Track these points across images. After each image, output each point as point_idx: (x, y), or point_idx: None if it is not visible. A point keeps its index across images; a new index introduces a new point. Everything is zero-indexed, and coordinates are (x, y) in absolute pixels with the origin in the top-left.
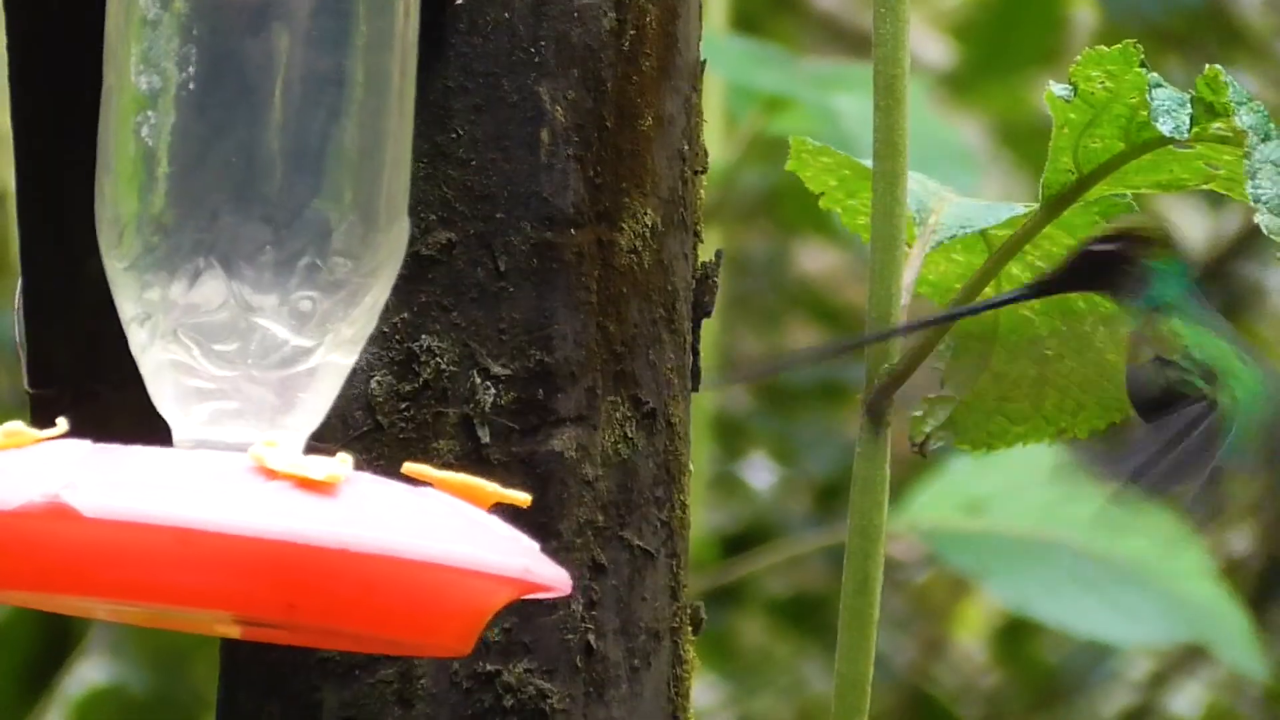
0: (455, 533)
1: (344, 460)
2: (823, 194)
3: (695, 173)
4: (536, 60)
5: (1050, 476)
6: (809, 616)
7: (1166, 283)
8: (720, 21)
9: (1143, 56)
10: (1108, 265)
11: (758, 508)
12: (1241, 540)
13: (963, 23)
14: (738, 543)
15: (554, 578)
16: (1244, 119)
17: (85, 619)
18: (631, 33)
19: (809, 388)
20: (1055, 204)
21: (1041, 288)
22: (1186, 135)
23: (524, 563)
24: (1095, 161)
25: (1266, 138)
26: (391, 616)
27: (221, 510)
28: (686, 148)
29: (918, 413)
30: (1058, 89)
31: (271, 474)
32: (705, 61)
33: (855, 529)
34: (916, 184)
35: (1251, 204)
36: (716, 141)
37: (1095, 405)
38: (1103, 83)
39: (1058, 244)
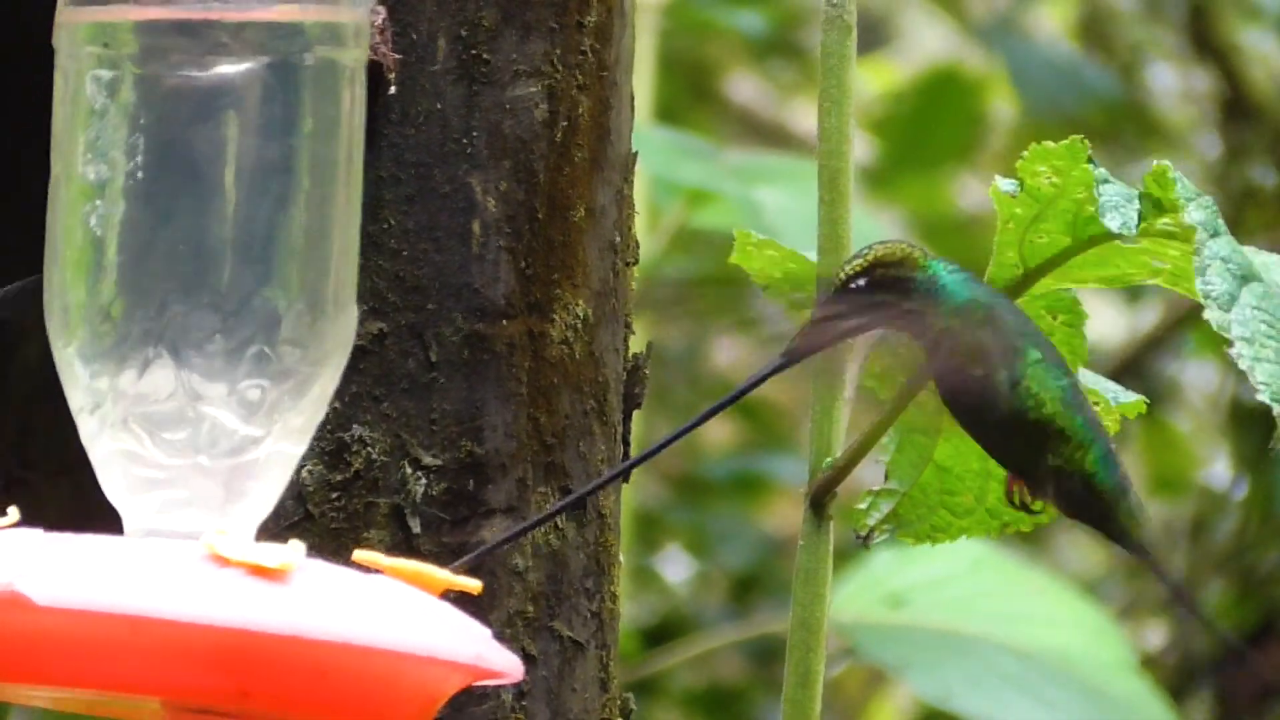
0: (408, 620)
1: (296, 548)
2: (766, 287)
3: (626, 264)
4: (468, 151)
5: (973, 569)
6: (724, 709)
7: (955, 286)
8: (643, 113)
9: (1090, 153)
10: (869, 302)
11: (673, 601)
12: (1158, 635)
13: (881, 118)
14: (654, 635)
15: (506, 664)
16: (1193, 215)
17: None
18: (564, 124)
19: (724, 482)
20: None
21: (798, 349)
22: (1134, 231)
23: (477, 649)
24: (1041, 256)
25: (1215, 234)
26: (343, 703)
27: (176, 599)
28: (618, 239)
29: (861, 505)
30: (1004, 184)
31: (225, 562)
32: (637, 153)
33: (797, 621)
34: None
35: (1201, 299)
36: (640, 234)
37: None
38: (1049, 178)
39: None
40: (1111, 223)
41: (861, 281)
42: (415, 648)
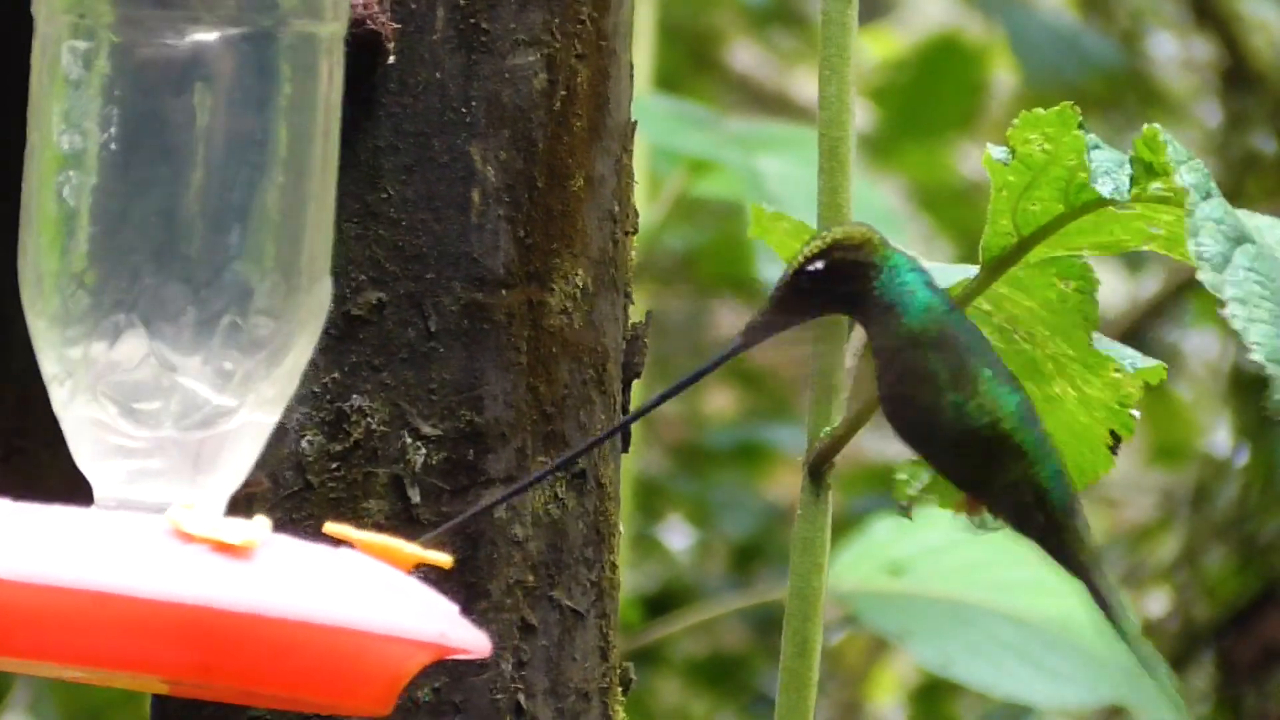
0: (371, 597)
1: (261, 524)
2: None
3: (626, 233)
4: (467, 120)
5: (973, 537)
6: (725, 677)
7: (915, 285)
8: (643, 82)
9: (1080, 119)
10: (827, 287)
11: (675, 570)
12: (1159, 602)
13: (881, 86)
14: (656, 604)
15: (471, 641)
16: (1185, 177)
17: (6, 677)
18: (562, 93)
19: (726, 451)
20: (996, 266)
21: (757, 330)
22: (1126, 196)
23: (440, 627)
24: (1035, 224)
25: (1207, 196)
26: (307, 679)
27: (137, 575)
28: (617, 208)
29: (901, 475)
30: (995, 152)
31: (188, 538)
32: (636, 122)
33: (795, 591)
34: None
35: (1194, 262)
36: (640, 203)
37: (1071, 468)
38: (1041, 145)
39: (1018, 305)
40: (1103, 188)
41: (819, 265)
42: (377, 626)
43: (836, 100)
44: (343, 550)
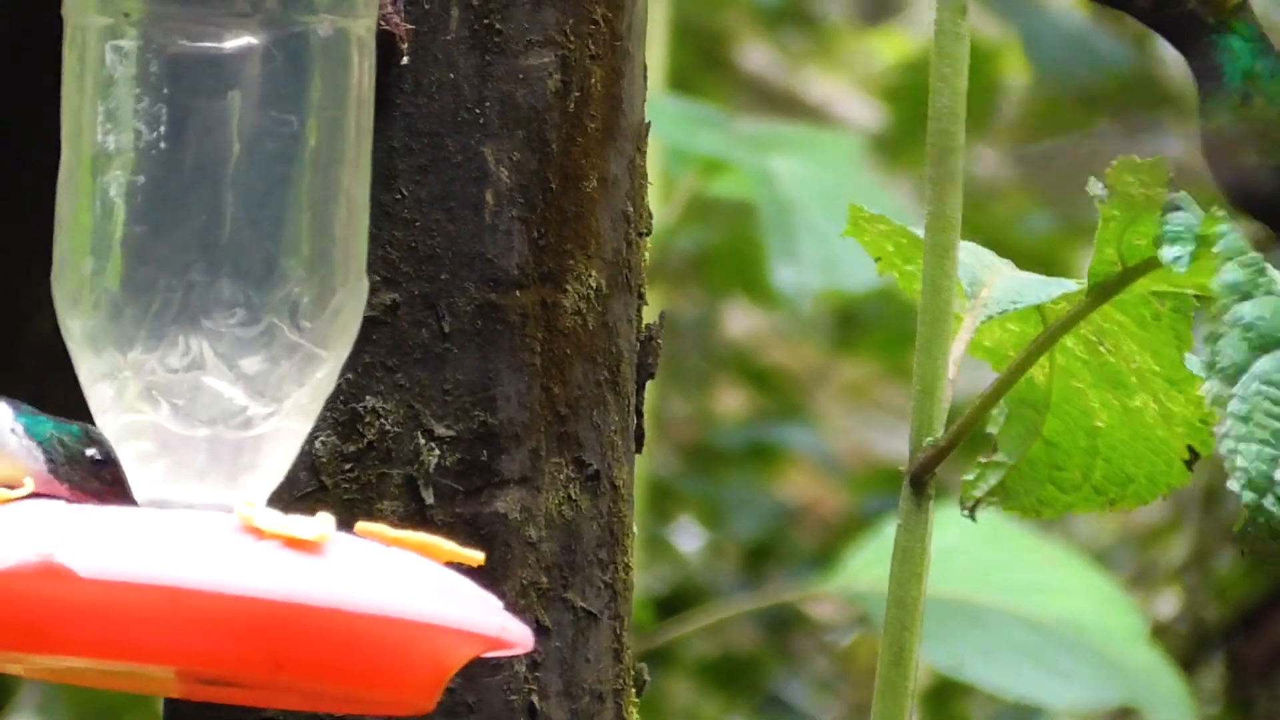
0: (435, 591)
1: (326, 519)
2: (879, 259)
3: (639, 235)
4: (481, 121)
5: (985, 540)
6: (737, 679)
7: (1241, 51)
8: (656, 82)
9: (1171, 175)
10: (1184, 24)
11: (686, 571)
12: (1169, 603)
13: (893, 86)
14: (667, 605)
15: (522, 635)
16: (1226, 276)
17: (15, 678)
18: (576, 94)
19: (737, 451)
20: (1101, 292)
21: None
22: (1185, 268)
23: (500, 620)
24: (1139, 256)
25: (1246, 296)
26: (365, 672)
27: (216, 570)
28: (630, 209)
29: (969, 476)
30: (1096, 188)
31: (260, 534)
32: (650, 123)
33: (893, 600)
34: (969, 255)
35: (1203, 372)
36: (653, 204)
37: (1144, 479)
38: (1139, 189)
39: (1109, 318)
40: (1166, 254)
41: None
42: (450, 619)
43: (948, 111)
44: (393, 548)
